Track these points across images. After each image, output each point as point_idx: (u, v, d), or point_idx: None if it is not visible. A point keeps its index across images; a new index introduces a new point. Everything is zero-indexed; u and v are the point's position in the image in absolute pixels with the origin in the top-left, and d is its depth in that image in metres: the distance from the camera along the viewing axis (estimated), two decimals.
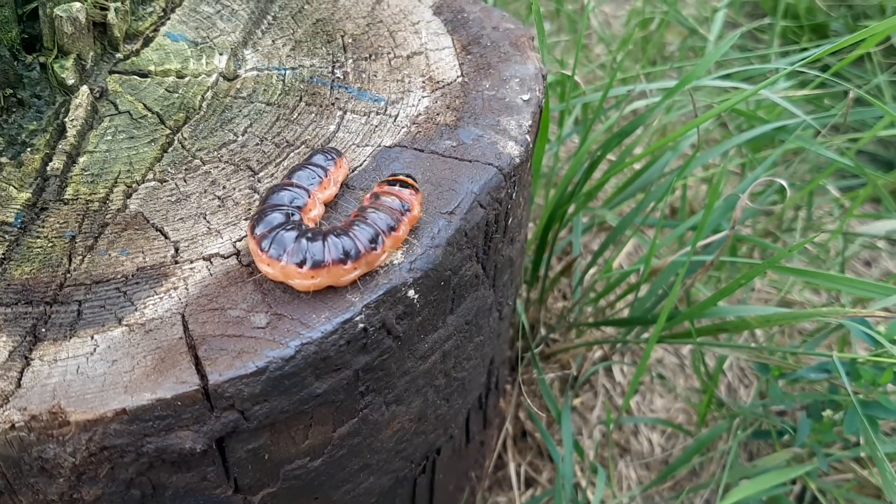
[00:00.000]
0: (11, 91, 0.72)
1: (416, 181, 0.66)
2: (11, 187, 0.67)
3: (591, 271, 1.20)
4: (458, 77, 0.80)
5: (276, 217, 0.61)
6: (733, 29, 1.73)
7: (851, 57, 1.04)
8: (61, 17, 0.74)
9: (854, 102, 1.38)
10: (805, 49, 1.35)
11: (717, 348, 0.97)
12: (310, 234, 0.60)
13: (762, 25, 1.69)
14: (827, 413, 0.99)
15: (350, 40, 0.83)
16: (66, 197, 0.67)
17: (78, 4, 0.75)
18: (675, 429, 1.19)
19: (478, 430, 0.94)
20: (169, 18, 0.83)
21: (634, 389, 0.99)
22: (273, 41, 0.82)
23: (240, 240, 0.64)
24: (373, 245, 0.61)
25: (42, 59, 0.75)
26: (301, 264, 0.59)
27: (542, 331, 1.13)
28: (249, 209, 0.67)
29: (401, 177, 0.66)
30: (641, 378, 1.26)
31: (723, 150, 1.03)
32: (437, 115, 0.76)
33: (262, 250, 0.59)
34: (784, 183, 0.88)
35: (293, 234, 0.60)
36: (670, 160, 1.10)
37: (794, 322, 0.87)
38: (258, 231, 0.60)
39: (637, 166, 1.22)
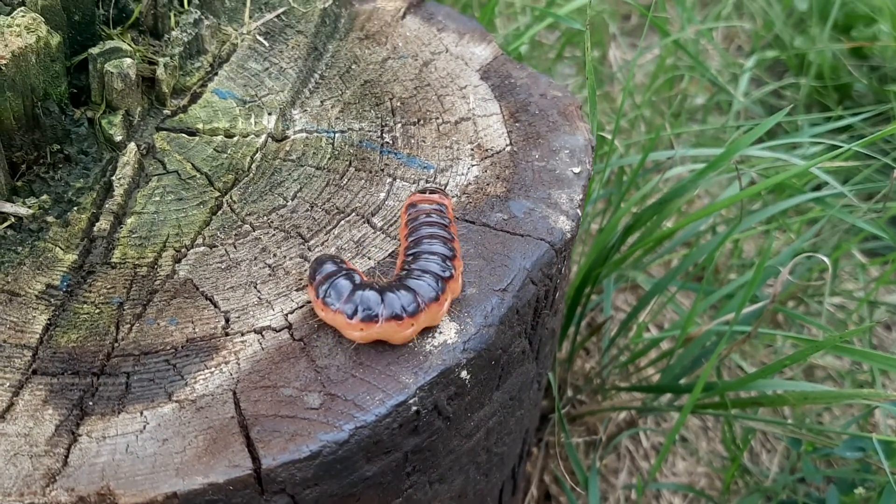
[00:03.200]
0: (59, 147, 0.71)
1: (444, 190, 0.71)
2: (58, 248, 0.66)
3: (624, 323, 1.18)
4: (506, 146, 0.79)
5: (334, 266, 0.61)
6: (758, 86, 1.74)
7: (889, 131, 1.04)
8: (112, 73, 0.73)
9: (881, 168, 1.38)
10: (838, 117, 1.35)
11: (752, 422, 0.96)
12: (371, 286, 0.60)
13: (787, 84, 1.70)
14: (859, 490, 0.98)
15: (398, 104, 0.82)
16: (113, 260, 0.66)
17: (129, 60, 0.74)
18: (699, 495, 1.17)
19: (508, 499, 0.93)
20: (217, 74, 0.82)
21: (663, 459, 0.97)
22: (321, 102, 0.82)
23: (291, 312, 0.63)
24: (434, 296, 0.60)
25: (90, 114, 0.74)
26: (352, 315, 0.59)
27: (570, 391, 1.12)
28: (300, 279, 0.66)
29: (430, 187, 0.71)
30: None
31: (760, 217, 1.03)
32: (487, 185, 0.75)
33: (317, 296, 0.60)
34: (826, 260, 0.87)
35: (349, 283, 0.60)
36: (703, 223, 1.09)
37: (833, 402, 0.86)
38: (318, 277, 0.60)
39: (668, 224, 1.21)
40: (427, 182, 0.75)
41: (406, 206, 0.69)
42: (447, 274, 0.62)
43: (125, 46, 0.75)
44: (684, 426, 1.26)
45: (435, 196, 0.69)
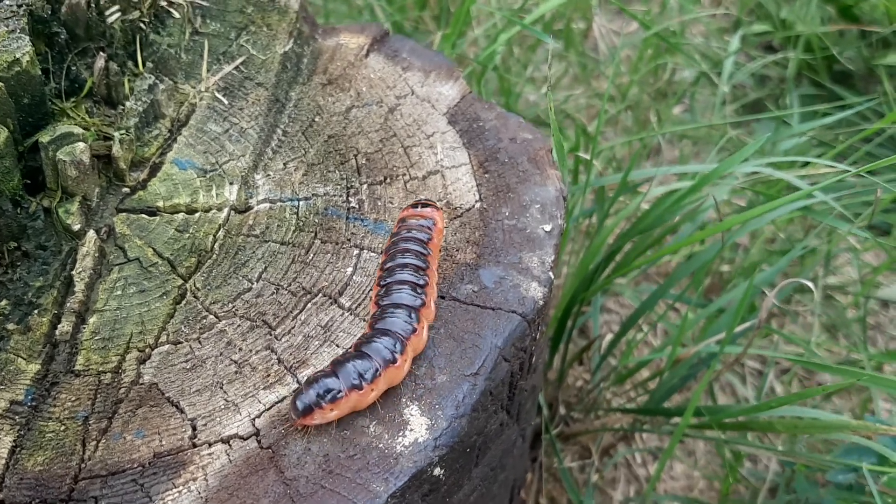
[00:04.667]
0: (16, 244, 0.70)
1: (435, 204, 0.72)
2: (20, 359, 0.65)
3: (613, 342, 1.17)
4: (476, 202, 0.77)
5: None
6: (746, 58, 1.68)
7: (876, 127, 1.00)
8: (64, 161, 0.71)
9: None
10: (825, 114, 1.31)
11: (743, 446, 0.96)
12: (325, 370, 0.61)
13: (776, 59, 1.64)
14: None
15: (364, 160, 0.80)
16: (76, 368, 0.65)
17: (81, 145, 0.72)
18: None
19: None
20: (176, 141, 0.79)
21: (657, 478, 0.97)
22: (284, 164, 0.79)
23: (258, 416, 0.62)
24: (391, 359, 0.61)
25: (46, 203, 0.72)
26: (320, 404, 0.59)
27: (562, 409, 1.12)
28: (267, 375, 0.64)
29: (423, 200, 0.73)
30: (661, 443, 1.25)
31: (749, 229, 1.00)
32: (457, 251, 0.73)
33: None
34: (811, 286, 0.85)
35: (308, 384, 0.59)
36: (690, 230, 1.07)
37: (823, 433, 0.85)
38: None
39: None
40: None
41: (397, 221, 0.71)
42: (410, 329, 0.63)
43: (77, 130, 0.72)
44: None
45: (426, 211, 0.71)
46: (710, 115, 1.51)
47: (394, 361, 0.61)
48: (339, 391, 0.59)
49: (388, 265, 0.67)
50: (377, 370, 0.60)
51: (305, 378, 0.62)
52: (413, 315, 0.64)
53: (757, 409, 0.90)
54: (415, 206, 0.72)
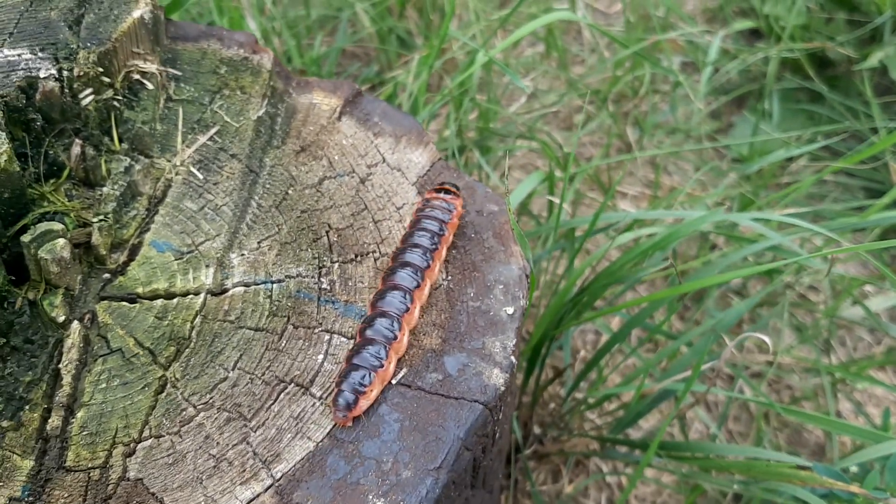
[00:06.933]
0: (4, 340, 0.74)
1: (458, 189, 0.85)
2: (15, 455, 0.70)
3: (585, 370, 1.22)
4: (444, 280, 0.81)
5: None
6: (727, 45, 1.68)
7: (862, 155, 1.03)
8: (46, 258, 0.74)
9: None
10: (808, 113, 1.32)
11: (701, 480, 1.01)
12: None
13: (759, 49, 1.64)
14: None
15: (335, 237, 0.83)
16: (67, 464, 0.70)
17: (62, 241, 0.75)
18: None
19: None
20: (153, 221, 0.82)
21: (625, 497, 1.04)
22: (259, 243, 0.82)
23: None
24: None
25: (31, 296, 0.76)
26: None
27: (536, 429, 1.17)
28: (243, 470, 0.69)
29: (446, 185, 0.85)
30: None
31: (722, 267, 1.04)
32: (423, 335, 0.77)
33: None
34: (767, 340, 0.89)
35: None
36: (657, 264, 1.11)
37: (774, 479, 0.90)
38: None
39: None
40: None
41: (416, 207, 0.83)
42: (392, 335, 0.73)
43: (56, 226, 0.75)
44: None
45: (448, 197, 0.83)
46: (689, 116, 1.53)
47: (395, 338, 0.73)
48: (367, 376, 0.71)
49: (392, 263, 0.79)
50: (386, 348, 0.72)
51: (335, 382, 0.73)
52: (408, 296, 0.75)
53: (713, 450, 0.95)
54: (437, 190, 0.84)
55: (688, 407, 0.98)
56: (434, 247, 0.79)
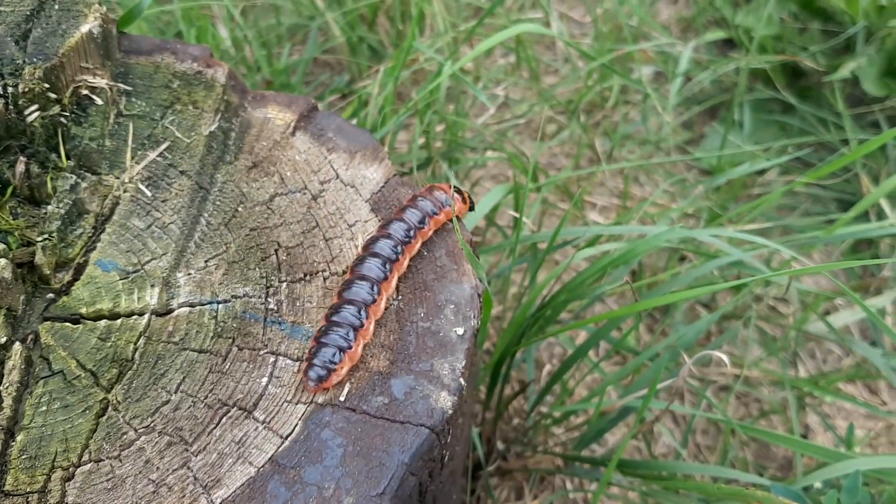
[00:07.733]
0: None
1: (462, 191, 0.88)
2: None
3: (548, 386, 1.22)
4: (394, 300, 0.80)
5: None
6: (700, 53, 1.68)
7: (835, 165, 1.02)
8: None
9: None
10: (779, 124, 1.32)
11: (662, 499, 1.01)
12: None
13: (730, 59, 1.64)
14: None
15: (284, 256, 0.82)
16: (6, 488, 0.68)
17: (3, 261, 0.74)
18: None
19: None
20: (100, 239, 0.81)
21: None
22: (206, 262, 0.81)
23: None
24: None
25: None
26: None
27: (500, 444, 1.16)
28: (182, 496, 0.68)
29: (443, 186, 0.86)
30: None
31: (688, 281, 1.03)
32: (371, 357, 0.76)
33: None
34: (724, 358, 0.88)
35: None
36: (620, 276, 1.10)
37: (731, 499, 0.90)
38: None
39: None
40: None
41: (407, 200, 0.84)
42: (358, 323, 0.74)
43: None
44: None
45: (438, 195, 0.84)
46: (659, 127, 1.52)
47: (361, 326, 0.74)
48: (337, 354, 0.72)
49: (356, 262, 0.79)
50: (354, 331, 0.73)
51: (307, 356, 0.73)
52: (375, 287, 0.76)
53: (675, 468, 0.94)
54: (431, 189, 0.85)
55: (650, 423, 0.97)
56: (408, 240, 0.80)
